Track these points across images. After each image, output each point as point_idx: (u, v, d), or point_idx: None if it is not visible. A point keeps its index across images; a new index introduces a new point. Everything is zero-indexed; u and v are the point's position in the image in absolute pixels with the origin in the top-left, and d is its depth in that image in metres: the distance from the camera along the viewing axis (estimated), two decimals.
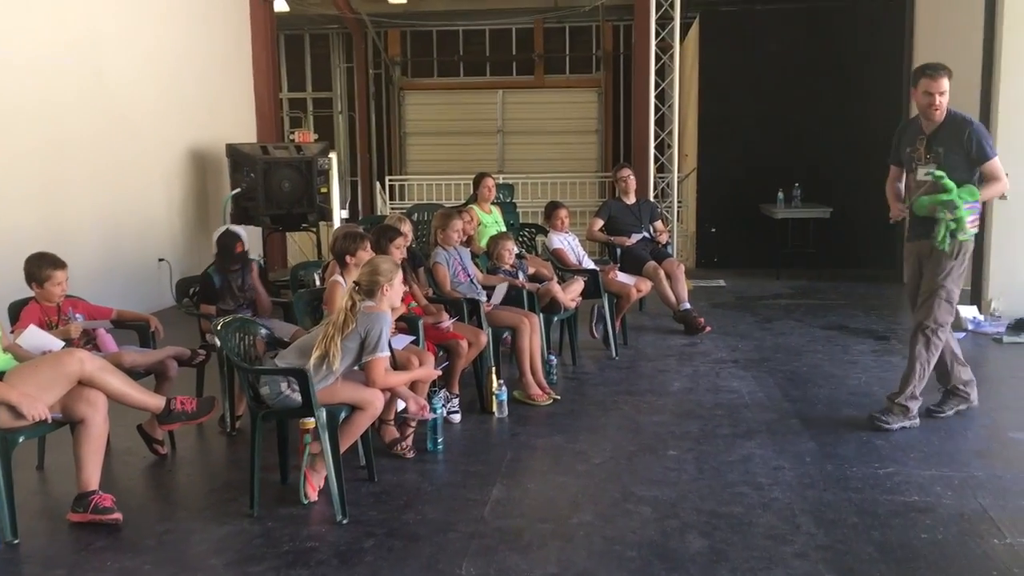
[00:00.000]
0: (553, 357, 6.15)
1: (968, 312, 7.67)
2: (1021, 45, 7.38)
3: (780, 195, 10.97)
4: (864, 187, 11.11)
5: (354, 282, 4.18)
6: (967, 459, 4.50)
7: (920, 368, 4.94)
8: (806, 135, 11.50)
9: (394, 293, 4.21)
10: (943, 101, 4.77)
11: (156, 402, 4.07)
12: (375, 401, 4.10)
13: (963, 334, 7.34)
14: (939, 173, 4.69)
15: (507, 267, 6.36)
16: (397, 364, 4.51)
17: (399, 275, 4.24)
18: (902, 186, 5.23)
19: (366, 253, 4.79)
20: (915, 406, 4.99)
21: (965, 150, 4.76)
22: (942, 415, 5.16)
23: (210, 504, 4.14)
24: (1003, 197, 5.70)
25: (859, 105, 11.24)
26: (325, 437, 3.90)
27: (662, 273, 7.65)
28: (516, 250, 6.64)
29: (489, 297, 5.92)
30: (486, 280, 6.13)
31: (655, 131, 11.34)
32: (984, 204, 5.03)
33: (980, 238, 7.84)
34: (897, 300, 9.33)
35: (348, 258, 4.79)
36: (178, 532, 3.81)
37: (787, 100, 11.59)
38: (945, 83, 4.75)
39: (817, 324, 7.99)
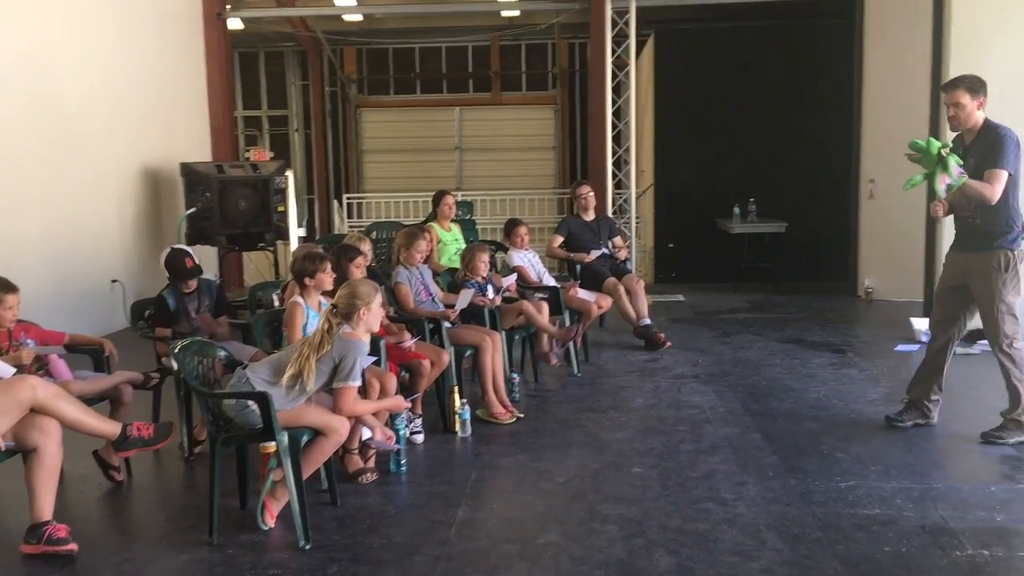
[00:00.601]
0: (515, 375, 6.13)
1: (920, 324, 7.78)
2: (969, 61, 7.53)
3: (736, 210, 11.10)
4: (818, 202, 11.34)
5: (332, 304, 4.13)
6: (926, 471, 4.56)
7: (1017, 382, 4.93)
8: (761, 150, 11.66)
9: (372, 317, 4.16)
10: (957, 112, 4.85)
11: (112, 429, 3.97)
12: (340, 428, 4.04)
13: (916, 346, 7.46)
14: (921, 143, 4.75)
15: (478, 279, 6.31)
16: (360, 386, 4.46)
17: (378, 298, 4.20)
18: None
19: (326, 275, 4.75)
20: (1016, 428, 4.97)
21: (986, 155, 4.78)
22: (901, 424, 5.25)
23: (168, 532, 4.05)
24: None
25: (813, 121, 11.42)
26: (287, 462, 3.83)
27: (622, 289, 7.68)
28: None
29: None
30: (446, 299, 6.09)
31: (612, 147, 11.42)
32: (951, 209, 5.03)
33: (931, 253, 8.04)
34: (852, 313, 9.47)
35: (307, 280, 4.73)
36: (136, 562, 3.72)
37: (742, 116, 11.74)
38: (958, 95, 4.82)
39: (775, 338, 8.07)
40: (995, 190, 4.71)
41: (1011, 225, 4.83)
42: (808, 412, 5.69)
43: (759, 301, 10.17)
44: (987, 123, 4.87)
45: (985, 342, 7.31)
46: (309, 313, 4.64)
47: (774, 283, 10.82)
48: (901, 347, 7.48)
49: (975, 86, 4.83)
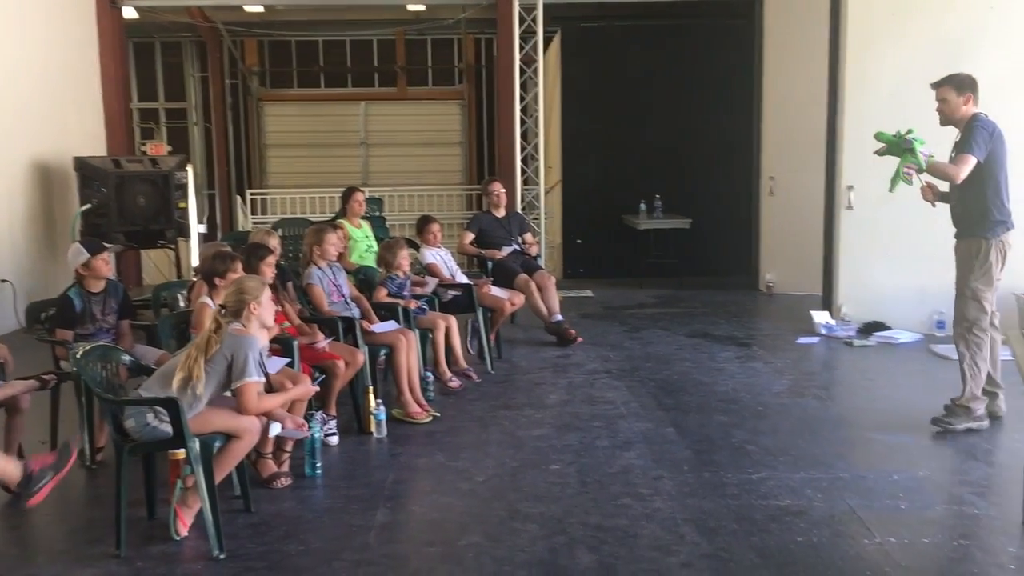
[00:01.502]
0: (429, 374, 6.08)
1: (820, 317, 8.06)
2: (864, 62, 7.82)
3: (642, 206, 11.27)
4: (721, 198, 11.60)
5: (220, 304, 4.02)
6: (832, 461, 4.71)
7: (968, 368, 5.08)
8: (666, 148, 11.84)
9: (263, 312, 4.06)
10: (943, 108, 5.11)
11: (13, 474, 3.71)
12: (251, 429, 3.94)
13: (817, 339, 7.72)
14: (886, 134, 5.00)
15: (402, 276, 6.24)
16: (272, 389, 4.36)
17: (267, 293, 4.10)
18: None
19: (237, 274, 4.61)
20: (978, 406, 5.09)
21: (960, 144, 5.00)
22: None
23: (73, 546, 3.88)
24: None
25: (716, 119, 11.66)
26: (199, 469, 3.71)
27: (533, 285, 7.70)
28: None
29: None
30: (358, 298, 6.00)
31: (520, 144, 11.44)
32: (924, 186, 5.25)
33: (829, 247, 8.32)
34: (755, 307, 9.74)
35: (217, 280, 4.60)
36: None
37: (647, 113, 11.91)
38: (944, 91, 5.10)
39: (683, 332, 8.23)
40: (959, 171, 4.93)
41: (989, 215, 5.02)
42: (718, 405, 5.81)
43: (666, 296, 10.35)
44: (973, 116, 5.07)
45: (882, 334, 7.68)
46: None
47: (680, 278, 11.03)
48: (802, 339, 7.72)
49: (962, 84, 5.08)
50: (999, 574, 3.43)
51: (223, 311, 3.97)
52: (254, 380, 3.86)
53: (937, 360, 6.91)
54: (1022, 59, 7.53)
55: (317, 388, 4.55)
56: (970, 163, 4.93)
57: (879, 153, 5.10)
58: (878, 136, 5.02)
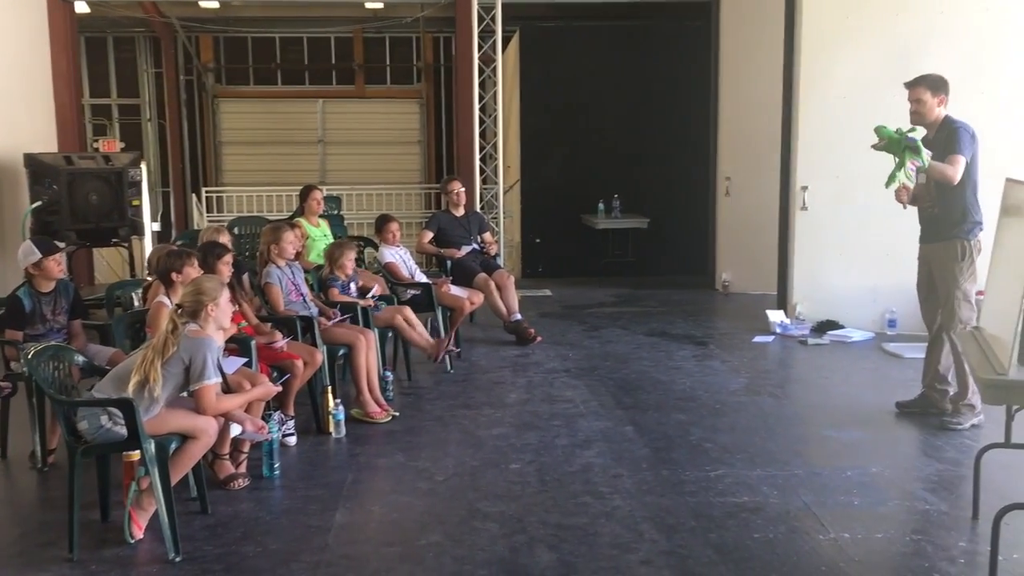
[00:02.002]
0: (388, 373, 6.06)
1: (775, 316, 8.16)
2: (817, 65, 7.93)
3: (601, 206, 11.32)
4: (679, 198, 11.70)
5: (176, 304, 3.97)
6: (787, 458, 4.78)
7: (968, 365, 5.03)
8: (624, 148, 11.91)
9: (220, 314, 4.01)
10: (918, 108, 5.17)
11: None
12: (208, 429, 3.90)
13: (772, 337, 7.82)
14: (887, 130, 4.92)
15: (344, 278, 6.19)
16: (229, 389, 4.31)
17: (225, 294, 4.05)
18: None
19: (193, 270, 4.53)
20: (979, 402, 5.13)
21: (944, 148, 5.01)
22: (909, 410, 5.47)
23: (23, 549, 3.80)
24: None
25: (673, 120, 11.76)
26: (155, 471, 3.66)
27: (493, 285, 7.71)
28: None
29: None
30: (316, 299, 5.96)
31: (479, 143, 11.43)
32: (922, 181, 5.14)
33: (784, 247, 8.43)
34: (711, 306, 9.83)
35: (174, 275, 4.51)
36: None
37: (605, 114, 11.97)
38: (919, 92, 5.14)
39: (641, 331, 8.28)
40: (956, 172, 4.96)
41: (968, 216, 5.08)
42: (676, 404, 5.86)
43: (624, 295, 10.41)
44: (947, 118, 5.15)
45: (835, 332, 7.80)
46: None
47: (637, 277, 11.10)
48: (758, 338, 7.81)
49: (936, 84, 5.13)
50: (950, 568, 3.50)
51: (180, 311, 3.91)
52: (213, 382, 3.82)
53: (889, 358, 7.04)
54: (972, 62, 7.69)
55: (280, 388, 4.50)
56: (962, 164, 4.99)
57: (876, 148, 5.04)
58: (879, 131, 4.95)
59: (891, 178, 4.92)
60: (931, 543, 3.72)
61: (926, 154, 4.84)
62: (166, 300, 4.45)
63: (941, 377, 5.38)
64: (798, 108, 8.07)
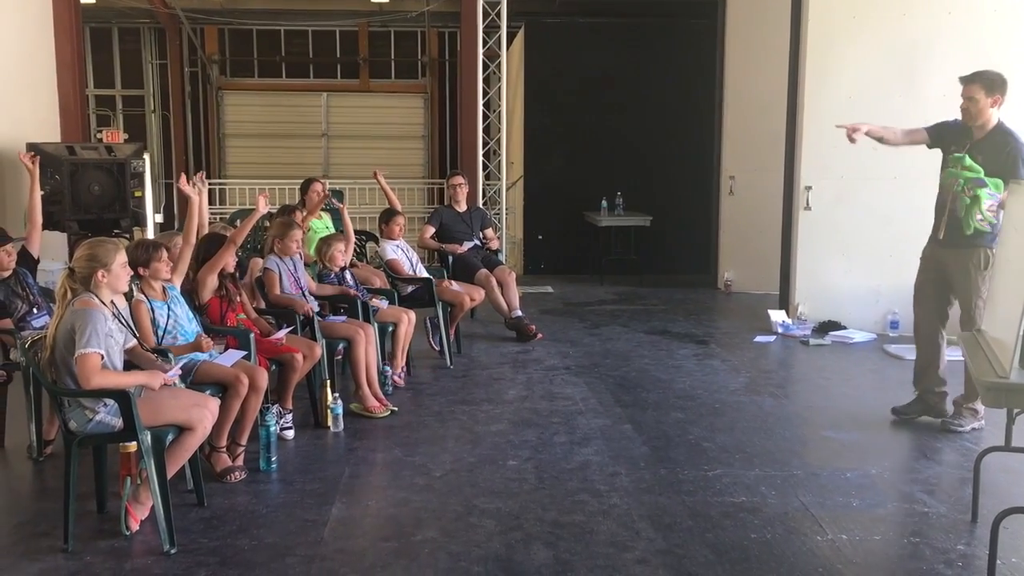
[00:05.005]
0: (388, 368, 6.05)
1: (777, 316, 8.15)
2: (823, 64, 7.90)
3: (604, 203, 11.29)
4: (681, 196, 11.69)
5: (69, 267, 3.82)
6: (786, 459, 4.76)
7: (970, 368, 5.01)
8: (628, 145, 11.90)
9: (114, 279, 3.82)
10: (969, 107, 4.92)
11: None
12: (204, 420, 3.89)
13: (773, 337, 7.80)
14: (969, 160, 4.71)
15: (335, 270, 6.16)
16: (227, 382, 4.30)
17: (119, 258, 3.86)
18: (892, 137, 5.29)
19: (162, 264, 4.40)
20: (982, 407, 5.09)
21: (1001, 161, 4.78)
22: (906, 415, 5.36)
23: (19, 539, 3.79)
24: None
25: (676, 117, 11.74)
26: (151, 463, 3.65)
27: (494, 281, 7.69)
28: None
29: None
30: (319, 290, 5.95)
31: (483, 138, 11.42)
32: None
33: (787, 247, 8.41)
34: (713, 305, 9.80)
35: (141, 269, 4.33)
36: None
37: (609, 111, 11.95)
38: (973, 89, 4.89)
39: (641, 329, 8.26)
40: None
41: (995, 225, 4.82)
42: (675, 402, 5.85)
43: (625, 293, 10.40)
44: (1000, 125, 4.93)
45: (837, 333, 7.77)
46: (154, 306, 4.35)
47: (639, 275, 11.08)
48: (759, 338, 7.79)
49: (993, 84, 4.89)
50: (947, 571, 3.48)
51: (72, 275, 3.78)
52: (90, 351, 3.60)
53: (890, 360, 7.02)
54: (980, 62, 7.62)
55: (171, 379, 4.00)
56: None
57: (947, 186, 4.83)
58: (961, 162, 4.72)
59: (967, 223, 4.70)
60: (929, 546, 3.70)
61: (998, 185, 4.62)
62: (141, 297, 4.34)
63: (941, 380, 5.32)
64: (803, 107, 8.04)
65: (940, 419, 5.28)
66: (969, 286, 5.02)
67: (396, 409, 5.57)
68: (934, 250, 5.22)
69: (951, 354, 5.36)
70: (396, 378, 6.16)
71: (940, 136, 5.21)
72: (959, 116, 5.09)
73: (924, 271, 5.32)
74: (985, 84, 4.89)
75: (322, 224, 7.50)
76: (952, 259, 5.09)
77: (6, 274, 5.05)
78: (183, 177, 5.02)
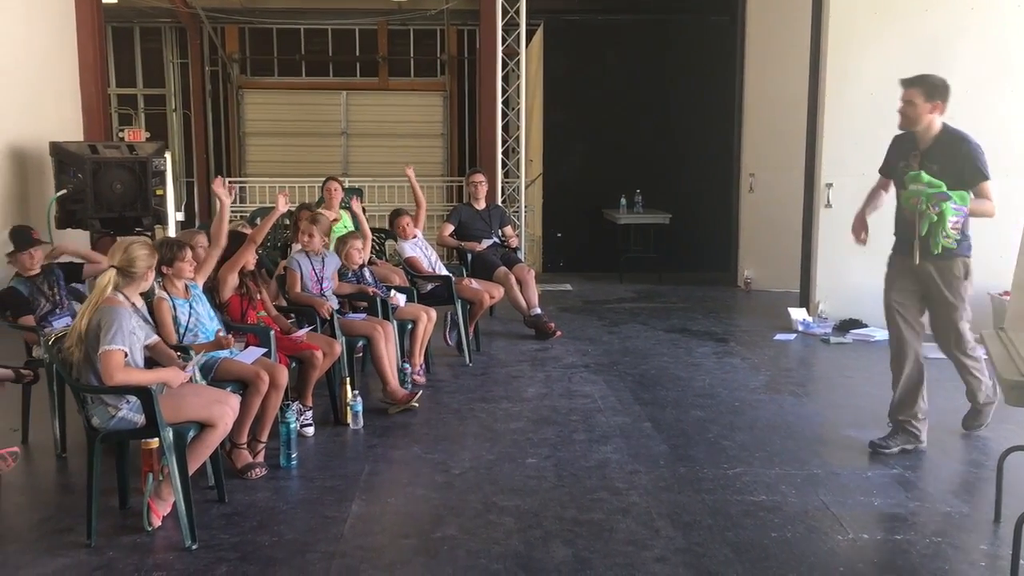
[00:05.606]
0: (407, 365, 6.06)
1: (797, 314, 8.10)
2: (845, 61, 7.85)
3: (623, 201, 11.27)
4: (701, 194, 11.65)
5: (116, 267, 3.87)
6: (807, 457, 4.73)
7: (977, 379, 4.90)
8: (647, 142, 11.87)
9: (151, 276, 4.02)
10: (907, 110, 4.72)
11: None
12: (225, 417, 3.91)
13: (793, 335, 7.76)
14: (926, 176, 4.51)
15: (354, 268, 6.19)
16: (247, 379, 4.33)
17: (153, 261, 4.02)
18: (882, 200, 5.11)
19: (185, 263, 4.43)
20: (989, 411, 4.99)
21: (959, 168, 4.57)
22: (887, 451, 4.77)
23: (42, 534, 3.83)
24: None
25: (696, 115, 11.71)
26: (172, 459, 3.68)
27: (513, 279, 7.69)
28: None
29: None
30: (338, 289, 5.97)
31: (502, 136, 11.42)
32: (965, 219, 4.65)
33: (807, 243, 8.36)
34: (733, 303, 9.76)
35: (165, 268, 4.39)
36: (6, 567, 3.50)
37: (629, 108, 11.93)
38: (912, 93, 4.67)
39: (661, 327, 8.24)
40: (993, 203, 4.61)
41: (966, 233, 4.68)
42: (695, 401, 5.83)
43: (644, 291, 10.37)
44: (947, 129, 4.72)
45: (858, 331, 7.71)
46: (176, 303, 4.41)
47: (658, 273, 11.06)
48: (779, 336, 7.76)
49: (934, 89, 4.66)
50: (971, 571, 3.46)
51: (123, 273, 3.87)
52: (114, 348, 3.66)
53: None
54: (1002, 59, 7.60)
55: (188, 376, 4.03)
56: (990, 188, 4.59)
57: (910, 206, 4.64)
58: (915, 179, 4.56)
59: (934, 243, 4.53)
60: (952, 546, 3.67)
61: (963, 196, 4.49)
62: (164, 295, 4.39)
63: (924, 406, 4.88)
64: (824, 104, 8.00)
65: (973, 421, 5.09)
66: (954, 296, 4.73)
67: (417, 405, 5.58)
68: (907, 264, 4.82)
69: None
70: (416, 376, 6.18)
71: (888, 160, 5.02)
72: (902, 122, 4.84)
73: (900, 289, 4.94)
74: (926, 89, 4.67)
75: (341, 223, 7.53)
76: (929, 272, 4.76)
77: (35, 271, 5.12)
78: (218, 179, 5.10)
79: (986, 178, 4.60)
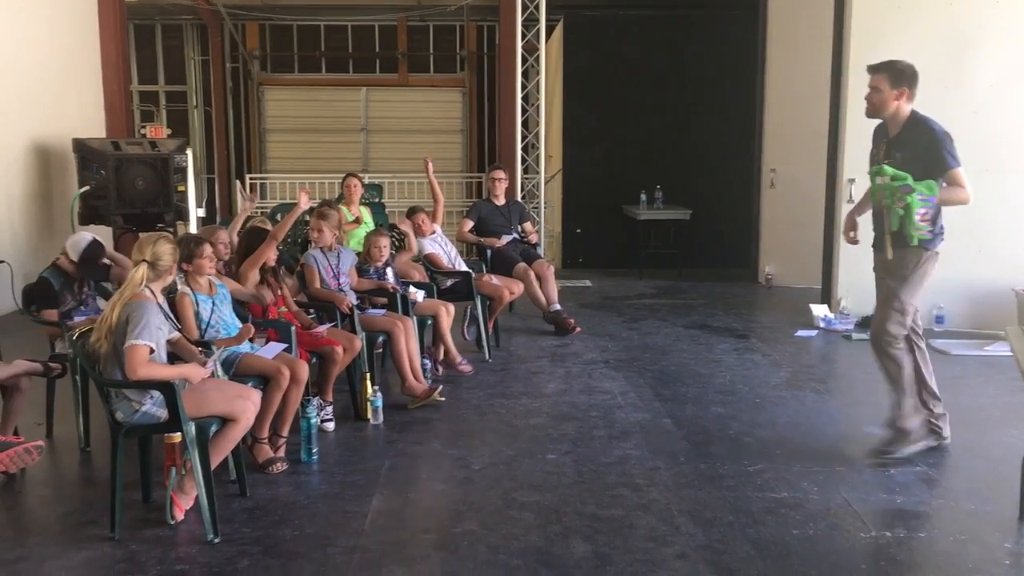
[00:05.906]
0: (427, 361, 6.08)
1: (819, 310, 8.05)
2: (868, 55, 7.74)
3: (643, 196, 11.24)
4: (722, 190, 11.59)
5: (147, 261, 3.88)
6: (828, 454, 4.70)
7: (893, 383, 4.66)
8: (667, 138, 11.83)
9: (174, 272, 4.08)
10: (872, 97, 4.60)
11: None
12: (246, 412, 3.94)
13: (815, 332, 7.72)
14: (889, 169, 4.40)
15: (377, 266, 6.21)
16: (268, 374, 4.35)
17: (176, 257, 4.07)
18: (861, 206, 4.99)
19: (205, 260, 4.47)
20: (915, 421, 4.66)
21: (923, 157, 4.45)
22: (897, 455, 4.61)
23: (67, 527, 3.86)
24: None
25: (716, 110, 11.65)
26: (195, 453, 3.70)
27: (532, 274, 7.69)
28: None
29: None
30: (358, 285, 5.99)
31: (521, 132, 11.41)
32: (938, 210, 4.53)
33: (829, 239, 8.31)
34: (753, 299, 9.72)
35: (184, 265, 4.40)
36: (32, 559, 3.54)
37: (649, 104, 11.90)
38: (878, 79, 4.55)
39: (681, 323, 8.21)
40: (964, 189, 4.44)
41: (940, 224, 4.55)
42: (715, 397, 5.81)
43: (664, 287, 10.34)
44: (915, 116, 4.57)
45: None
46: (198, 299, 4.45)
47: (679, 269, 11.02)
48: (801, 333, 7.72)
49: (901, 75, 4.52)
50: (994, 569, 3.43)
51: (154, 267, 3.91)
52: (140, 343, 3.68)
53: (934, 355, 6.83)
54: None
55: (208, 372, 4.03)
56: (961, 176, 4.43)
57: (875, 201, 4.53)
58: (880, 172, 4.44)
59: (909, 235, 4.39)
60: (975, 544, 3.63)
61: (931, 186, 4.37)
62: (186, 290, 4.43)
63: (938, 398, 4.79)
64: (846, 99, 7.93)
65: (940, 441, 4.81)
66: (896, 284, 4.57)
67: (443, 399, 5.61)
68: (877, 260, 4.74)
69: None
70: (462, 366, 6.28)
71: (871, 153, 4.83)
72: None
73: (880, 284, 4.80)
74: (892, 75, 4.53)
75: (361, 227, 7.55)
76: (890, 261, 4.59)
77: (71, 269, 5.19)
78: (238, 184, 5.22)
79: (952, 166, 4.42)
